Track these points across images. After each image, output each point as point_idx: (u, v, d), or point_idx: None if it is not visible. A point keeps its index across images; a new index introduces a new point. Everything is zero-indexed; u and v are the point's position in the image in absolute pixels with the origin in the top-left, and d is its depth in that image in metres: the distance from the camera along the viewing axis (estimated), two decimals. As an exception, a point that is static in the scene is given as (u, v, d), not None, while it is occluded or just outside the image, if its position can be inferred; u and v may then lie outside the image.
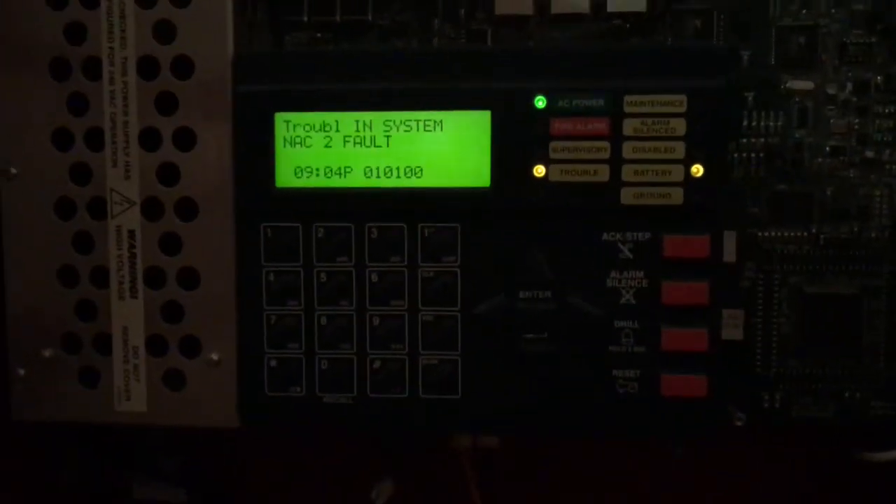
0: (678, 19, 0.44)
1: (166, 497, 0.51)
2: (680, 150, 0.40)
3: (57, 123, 0.41)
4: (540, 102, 0.40)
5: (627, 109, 0.40)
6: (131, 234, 0.41)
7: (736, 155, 0.44)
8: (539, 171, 0.40)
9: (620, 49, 0.43)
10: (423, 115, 0.40)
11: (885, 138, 0.44)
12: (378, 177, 0.41)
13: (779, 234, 0.44)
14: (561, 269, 0.41)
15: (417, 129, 0.41)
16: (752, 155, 0.44)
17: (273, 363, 0.42)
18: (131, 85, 0.41)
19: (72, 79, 0.41)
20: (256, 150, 0.41)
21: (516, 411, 0.41)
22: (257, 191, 0.41)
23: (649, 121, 0.40)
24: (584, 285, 0.41)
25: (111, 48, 0.41)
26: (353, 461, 0.52)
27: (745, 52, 0.44)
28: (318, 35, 0.45)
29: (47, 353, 0.42)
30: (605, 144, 0.40)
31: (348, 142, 0.41)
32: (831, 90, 0.44)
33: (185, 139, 0.41)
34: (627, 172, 0.40)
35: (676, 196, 0.40)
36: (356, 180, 0.41)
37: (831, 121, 0.44)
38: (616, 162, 0.40)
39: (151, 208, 0.41)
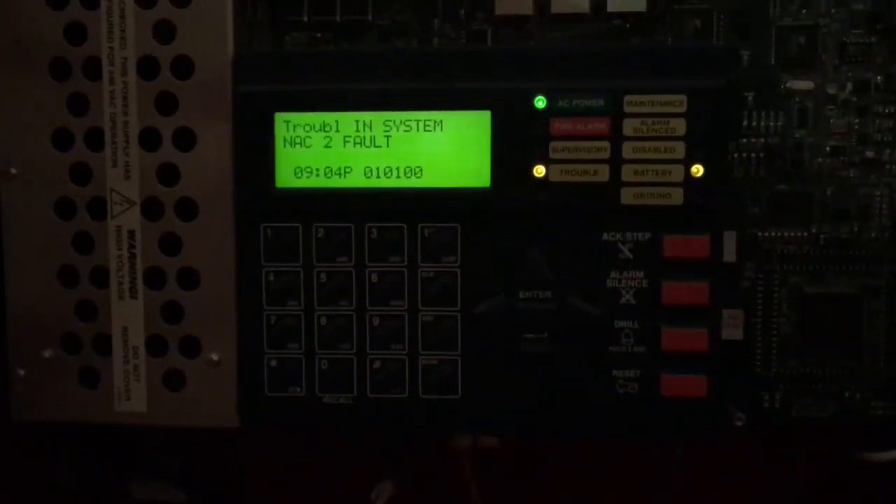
0: (678, 19, 0.44)
1: (166, 497, 0.51)
2: (680, 150, 0.40)
3: (57, 123, 0.41)
4: (540, 102, 0.40)
5: (627, 109, 0.40)
6: (131, 234, 0.41)
7: (736, 155, 0.44)
8: (539, 171, 0.40)
9: (620, 49, 0.43)
10: (423, 115, 0.40)
11: (885, 138, 0.44)
12: (378, 177, 0.41)
13: (779, 234, 0.44)
14: (561, 270, 0.41)
15: (417, 130, 0.41)
16: (753, 155, 0.44)
17: (273, 363, 0.42)
18: (131, 85, 0.41)
19: (72, 79, 0.41)
20: (256, 150, 0.41)
21: (516, 411, 0.41)
22: (257, 191, 0.41)
23: (649, 121, 0.40)
24: (583, 285, 0.41)
25: (111, 48, 0.41)
26: (352, 461, 0.52)
27: (745, 52, 0.44)
28: (318, 35, 0.45)
29: (47, 353, 0.42)
30: (605, 144, 0.40)
31: (348, 142, 0.41)
32: (831, 90, 0.44)
33: (185, 139, 0.41)
34: (627, 172, 0.40)
35: (676, 196, 0.40)
36: (356, 180, 0.41)
37: (831, 121, 0.44)
38: (616, 162, 0.40)
39: (151, 208, 0.41)
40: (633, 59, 0.40)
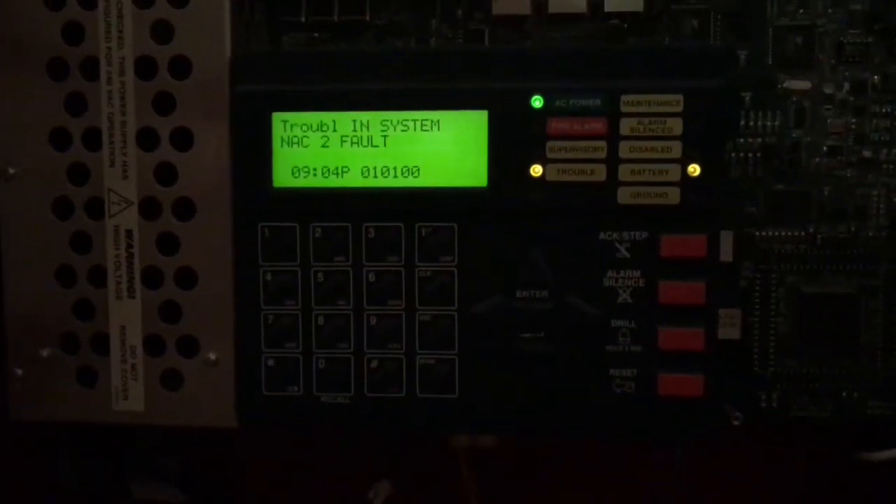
0: (675, 19, 0.44)
1: (165, 497, 0.51)
2: (677, 149, 0.40)
3: (54, 123, 0.41)
4: (537, 102, 0.40)
5: (624, 109, 0.40)
6: (129, 233, 0.42)
7: (733, 154, 0.44)
8: (536, 170, 0.40)
9: (617, 49, 0.43)
10: (420, 114, 0.41)
11: (882, 138, 0.44)
12: (375, 176, 0.41)
13: (776, 233, 0.44)
14: (558, 269, 0.41)
15: (415, 129, 0.41)
16: (750, 154, 0.44)
17: (270, 363, 0.42)
18: (129, 85, 0.41)
19: (69, 79, 0.41)
20: (254, 149, 0.41)
21: (513, 411, 0.41)
22: (255, 191, 0.41)
23: (646, 120, 0.40)
24: (581, 285, 0.41)
25: (109, 48, 0.41)
26: (350, 461, 0.52)
27: (742, 52, 0.44)
28: (316, 35, 0.45)
29: (45, 352, 0.42)
30: (602, 144, 0.40)
31: (345, 141, 0.41)
32: (828, 90, 0.44)
33: (182, 139, 0.41)
34: (624, 172, 0.40)
35: (673, 196, 0.40)
36: (353, 180, 0.41)
37: (828, 120, 0.44)
38: (613, 161, 0.40)
39: (149, 208, 0.41)
40: (630, 59, 0.40)
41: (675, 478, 0.49)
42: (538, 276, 0.41)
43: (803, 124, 0.44)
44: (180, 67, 0.41)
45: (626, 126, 0.40)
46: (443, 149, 0.40)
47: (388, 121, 0.41)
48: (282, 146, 0.41)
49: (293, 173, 0.41)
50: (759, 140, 0.44)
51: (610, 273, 0.41)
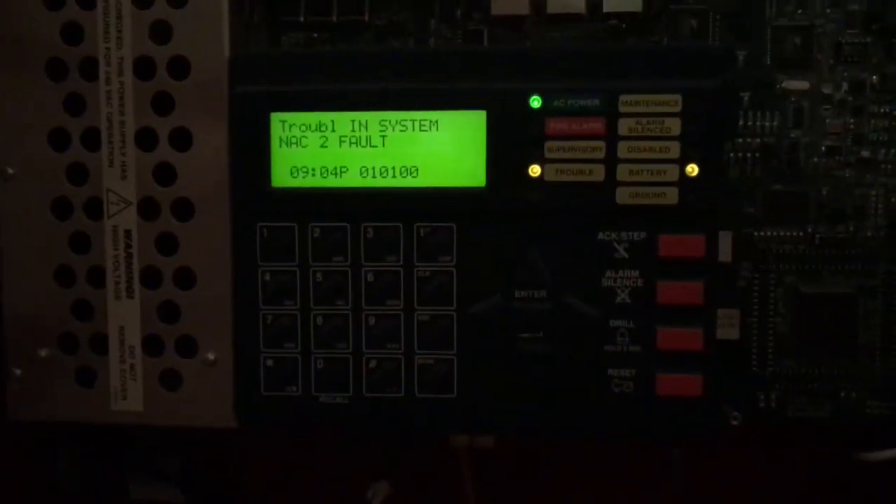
0: (674, 19, 0.44)
1: (164, 497, 0.51)
2: (675, 149, 0.40)
3: (53, 123, 0.41)
4: (535, 102, 0.40)
5: (623, 109, 0.40)
6: (128, 234, 0.42)
7: (732, 155, 0.44)
8: (534, 170, 0.40)
9: (616, 49, 0.43)
10: (418, 114, 0.41)
11: (880, 138, 0.44)
12: (374, 177, 0.41)
13: (775, 233, 0.44)
14: (556, 269, 0.41)
15: (413, 129, 0.41)
16: (748, 155, 0.44)
17: (269, 363, 0.42)
18: (128, 85, 0.41)
19: (68, 79, 0.41)
20: (252, 150, 0.41)
21: (512, 411, 0.41)
22: (253, 191, 0.41)
23: (644, 120, 0.40)
24: (579, 285, 0.41)
25: (108, 48, 0.41)
26: (349, 461, 0.52)
27: (740, 52, 0.44)
28: (315, 35, 0.45)
29: (44, 352, 0.42)
30: (601, 144, 0.40)
31: (344, 142, 0.41)
32: (827, 90, 0.44)
33: (181, 139, 0.41)
34: (623, 172, 0.40)
35: (671, 196, 0.40)
36: (352, 180, 0.41)
37: (827, 121, 0.44)
38: (611, 161, 0.40)
39: (148, 208, 0.41)
40: (628, 59, 0.40)
41: (673, 478, 0.50)
42: (537, 276, 0.41)
43: (802, 124, 0.44)
44: (179, 68, 0.41)
45: (624, 126, 0.40)
46: (441, 149, 0.40)
47: (386, 121, 0.41)
48: (280, 146, 0.41)
49: (292, 173, 0.41)
50: (758, 140, 0.44)
51: (608, 273, 0.41)
